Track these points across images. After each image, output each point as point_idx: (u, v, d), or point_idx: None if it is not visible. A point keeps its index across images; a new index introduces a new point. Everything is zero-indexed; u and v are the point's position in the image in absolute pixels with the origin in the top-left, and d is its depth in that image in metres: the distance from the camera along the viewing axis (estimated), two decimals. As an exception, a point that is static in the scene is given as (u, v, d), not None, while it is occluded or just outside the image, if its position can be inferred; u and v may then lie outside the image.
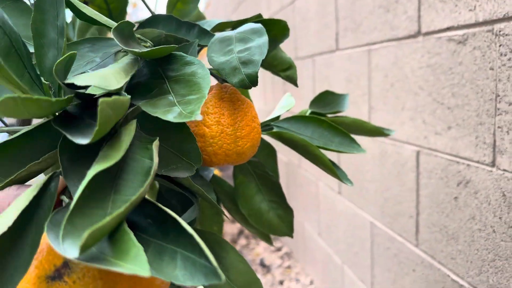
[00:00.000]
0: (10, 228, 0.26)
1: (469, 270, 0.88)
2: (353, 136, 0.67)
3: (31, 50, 0.40)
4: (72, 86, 0.32)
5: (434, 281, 1.00)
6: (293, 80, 0.71)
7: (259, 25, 0.49)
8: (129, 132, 0.31)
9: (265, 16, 2.20)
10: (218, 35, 0.50)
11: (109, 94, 0.33)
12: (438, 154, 0.94)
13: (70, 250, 0.23)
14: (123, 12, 0.67)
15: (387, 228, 1.19)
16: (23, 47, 0.35)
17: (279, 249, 2.31)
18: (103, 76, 0.32)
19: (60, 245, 0.23)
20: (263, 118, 1.10)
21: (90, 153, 0.31)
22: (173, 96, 0.38)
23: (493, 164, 0.79)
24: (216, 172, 2.26)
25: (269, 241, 0.72)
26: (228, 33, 0.50)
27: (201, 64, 0.41)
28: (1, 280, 0.26)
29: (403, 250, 1.12)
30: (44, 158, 0.33)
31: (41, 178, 0.33)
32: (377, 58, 1.15)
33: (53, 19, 0.37)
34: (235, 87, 0.46)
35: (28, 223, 0.29)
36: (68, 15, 0.67)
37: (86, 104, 0.35)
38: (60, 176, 0.33)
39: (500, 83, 0.75)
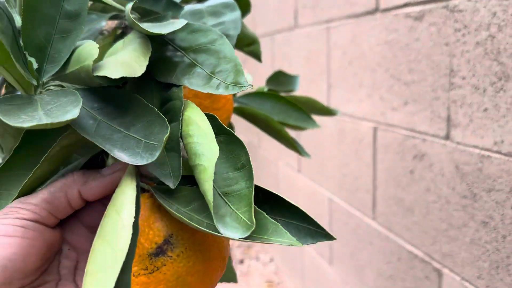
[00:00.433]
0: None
1: (424, 240, 0.91)
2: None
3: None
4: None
5: (390, 253, 1.03)
6: (257, 56, 0.70)
7: (230, 0, 0.48)
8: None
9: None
10: (187, 7, 0.48)
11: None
12: (394, 130, 0.97)
13: (235, 235, 0.29)
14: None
15: (345, 203, 1.22)
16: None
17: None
18: (126, 63, 0.31)
19: (228, 229, 0.29)
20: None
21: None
22: (202, 68, 0.36)
23: (447, 137, 0.82)
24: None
25: None
26: (197, 5, 0.48)
27: (213, 30, 0.39)
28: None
29: (360, 224, 1.15)
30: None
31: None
32: (336, 35, 1.15)
33: None
34: None
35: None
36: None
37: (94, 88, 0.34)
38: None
39: (455, 58, 0.77)
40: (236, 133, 0.34)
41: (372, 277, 1.13)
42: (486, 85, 0.72)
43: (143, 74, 0.33)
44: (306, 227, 0.32)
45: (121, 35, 0.47)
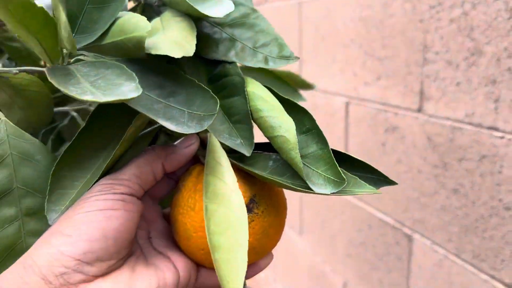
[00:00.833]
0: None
1: (395, 208, 0.96)
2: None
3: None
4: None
5: (361, 221, 1.08)
6: None
7: None
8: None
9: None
10: None
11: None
12: (367, 104, 1.00)
13: (325, 191, 0.34)
14: None
15: (316, 176, 1.26)
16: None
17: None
18: (178, 42, 0.32)
19: (317, 187, 0.34)
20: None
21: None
22: (243, 43, 0.37)
23: (419, 110, 0.86)
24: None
25: None
26: None
27: (243, 3, 0.39)
28: None
29: (331, 195, 1.20)
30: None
31: None
32: (308, 11, 1.17)
33: None
34: None
35: None
36: None
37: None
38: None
39: (429, 34, 0.81)
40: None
41: (343, 245, 1.18)
42: (459, 60, 0.76)
43: None
44: (371, 177, 0.37)
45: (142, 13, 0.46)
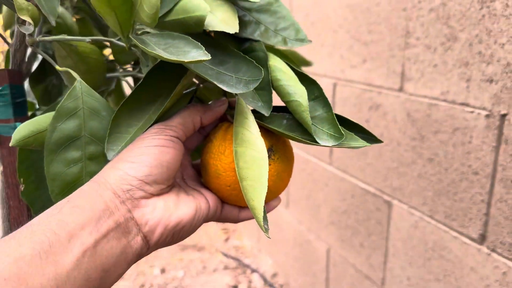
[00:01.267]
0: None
1: (376, 178, 1.08)
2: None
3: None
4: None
5: (345, 191, 1.19)
6: None
7: None
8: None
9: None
10: None
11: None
12: (353, 85, 1.11)
13: (328, 144, 0.42)
14: None
15: (303, 152, 1.36)
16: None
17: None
18: (226, 21, 0.39)
19: (322, 141, 0.42)
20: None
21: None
22: (266, 26, 0.45)
23: (401, 89, 0.97)
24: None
25: None
26: None
27: None
28: None
29: (317, 169, 1.30)
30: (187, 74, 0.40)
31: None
32: (298, -2, 1.26)
33: None
34: None
35: None
36: None
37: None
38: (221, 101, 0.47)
39: (411, 22, 0.92)
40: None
41: (327, 214, 1.29)
42: (436, 45, 0.87)
43: None
44: (362, 136, 0.44)
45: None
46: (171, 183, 0.42)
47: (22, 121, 0.55)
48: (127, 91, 0.77)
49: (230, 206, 0.47)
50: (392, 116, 1.00)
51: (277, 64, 0.44)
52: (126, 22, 0.41)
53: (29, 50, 0.57)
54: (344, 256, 1.25)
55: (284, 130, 0.43)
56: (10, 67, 0.55)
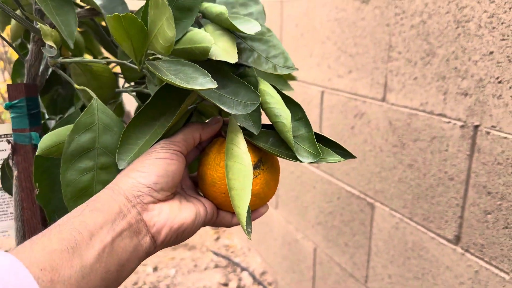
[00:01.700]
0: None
1: (360, 181, 1.14)
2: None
3: None
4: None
5: (331, 193, 1.26)
6: None
7: None
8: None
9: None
10: None
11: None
12: (339, 93, 1.17)
13: (308, 160, 0.47)
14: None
15: (291, 155, 1.42)
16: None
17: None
18: (227, 51, 0.45)
19: (302, 157, 0.48)
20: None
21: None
22: (259, 53, 0.50)
23: (383, 99, 1.04)
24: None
25: None
26: None
27: (261, 24, 0.52)
28: None
29: (305, 172, 1.37)
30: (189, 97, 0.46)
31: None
32: (289, 9, 1.32)
33: None
34: None
35: None
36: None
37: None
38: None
39: (394, 37, 0.98)
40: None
41: (314, 215, 1.35)
42: (417, 59, 0.94)
43: None
44: (340, 152, 0.51)
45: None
46: (175, 191, 0.48)
47: (36, 130, 0.60)
48: (126, 102, 0.82)
49: (224, 212, 0.53)
50: (375, 124, 1.07)
51: (266, 88, 0.50)
52: (140, 49, 0.46)
53: (42, 65, 0.62)
54: (330, 255, 1.31)
55: (270, 146, 0.50)
56: (25, 81, 0.61)
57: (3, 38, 0.64)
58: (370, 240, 1.14)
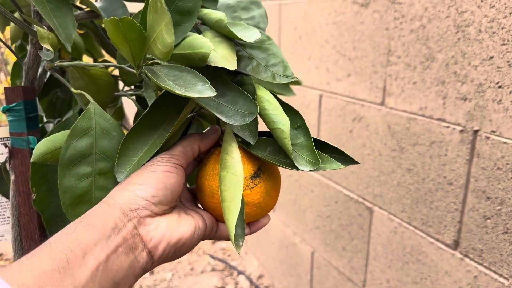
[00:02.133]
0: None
1: (358, 185, 1.14)
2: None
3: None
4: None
5: (329, 197, 1.25)
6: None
7: None
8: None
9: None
10: (221, 1, 0.60)
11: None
12: (338, 97, 1.17)
13: (306, 169, 0.46)
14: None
15: (289, 159, 1.42)
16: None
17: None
18: (226, 58, 0.44)
19: (301, 166, 0.46)
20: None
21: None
22: (258, 61, 0.49)
23: (382, 103, 1.03)
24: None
25: None
26: (228, 0, 0.60)
27: (261, 32, 0.51)
28: None
29: (303, 176, 1.36)
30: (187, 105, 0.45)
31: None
32: (288, 12, 1.31)
33: None
34: None
35: None
36: None
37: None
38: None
39: (393, 41, 0.98)
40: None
41: (312, 218, 1.35)
42: (416, 64, 0.93)
43: None
44: (340, 158, 0.50)
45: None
46: (173, 204, 0.47)
47: (34, 134, 0.59)
48: (126, 106, 0.82)
49: (224, 225, 0.52)
50: (374, 128, 1.07)
51: (264, 95, 0.49)
52: (139, 54, 0.45)
53: (40, 68, 0.61)
54: (328, 259, 1.31)
55: (268, 155, 0.49)
56: (23, 84, 0.60)
57: (0, 40, 0.63)
58: (369, 245, 1.13)
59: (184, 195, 0.53)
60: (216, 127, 0.52)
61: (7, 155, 0.59)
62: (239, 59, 0.51)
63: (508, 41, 0.74)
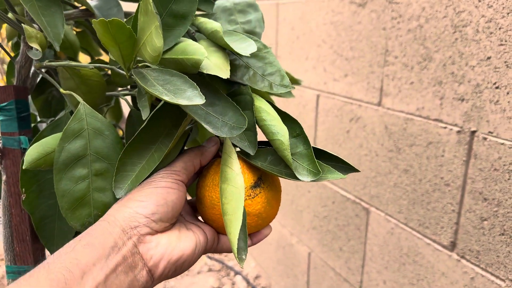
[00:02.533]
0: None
1: (355, 186, 1.13)
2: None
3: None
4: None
5: (326, 198, 1.25)
6: None
7: (252, 0, 0.60)
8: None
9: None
10: (217, 3, 0.59)
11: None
12: (335, 97, 1.16)
13: (307, 179, 0.45)
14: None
15: (286, 159, 1.41)
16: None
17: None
18: (219, 67, 0.43)
19: (302, 176, 0.46)
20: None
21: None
22: (255, 71, 0.49)
23: (379, 104, 1.03)
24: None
25: None
26: (225, 2, 0.59)
27: (258, 40, 0.50)
28: None
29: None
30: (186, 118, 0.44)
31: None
32: (285, 12, 1.31)
33: None
34: None
35: None
36: None
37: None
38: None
39: (390, 41, 0.98)
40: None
41: (309, 219, 1.34)
42: (413, 64, 0.93)
43: None
44: (340, 166, 0.48)
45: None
46: (174, 221, 0.46)
47: (26, 134, 0.58)
48: (124, 107, 0.81)
49: (225, 237, 0.51)
50: (371, 128, 1.06)
51: (262, 105, 0.48)
52: (129, 56, 0.45)
53: (33, 67, 0.60)
54: (325, 259, 1.30)
55: (268, 165, 0.48)
56: (15, 83, 0.59)
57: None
58: (365, 245, 1.13)
59: (184, 208, 0.52)
60: (215, 138, 0.52)
61: (-2, 155, 0.59)
62: (235, 68, 0.50)
63: (505, 41, 0.74)
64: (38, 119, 0.69)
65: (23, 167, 0.45)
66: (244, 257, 0.43)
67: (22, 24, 0.51)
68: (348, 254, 1.20)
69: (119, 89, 0.62)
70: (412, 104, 0.94)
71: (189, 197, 0.57)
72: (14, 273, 0.59)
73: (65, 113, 0.55)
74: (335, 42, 1.13)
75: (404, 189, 0.98)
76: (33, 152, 0.46)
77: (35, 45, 0.47)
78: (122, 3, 0.63)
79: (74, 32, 0.77)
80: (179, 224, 0.47)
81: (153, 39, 0.41)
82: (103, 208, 0.48)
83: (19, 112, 0.57)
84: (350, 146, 1.13)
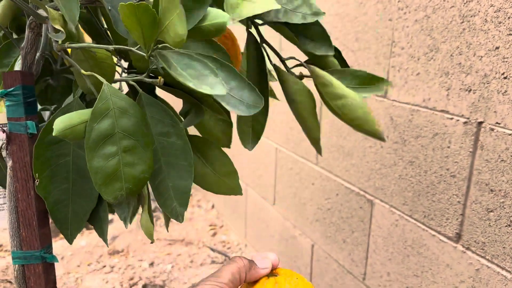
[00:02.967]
0: None
1: (360, 178, 1.13)
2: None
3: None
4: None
5: (330, 190, 1.25)
6: None
7: None
8: None
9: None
10: None
11: None
12: (340, 88, 1.16)
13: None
14: None
15: (291, 152, 1.41)
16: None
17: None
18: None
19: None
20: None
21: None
22: (284, 7, 0.52)
23: (385, 96, 1.02)
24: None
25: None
26: None
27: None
28: None
29: (304, 169, 1.35)
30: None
31: None
32: (289, 3, 1.30)
33: None
34: None
35: None
36: None
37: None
38: None
39: (396, 32, 0.97)
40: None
41: (312, 211, 1.34)
42: (420, 55, 0.92)
43: None
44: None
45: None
46: None
47: (32, 119, 0.58)
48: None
49: None
50: (376, 120, 1.05)
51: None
52: (150, 38, 0.45)
53: (38, 53, 0.60)
54: (328, 251, 1.30)
55: None
56: (21, 68, 0.59)
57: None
58: (369, 237, 1.13)
59: None
60: (267, 261, 0.51)
61: (3, 141, 0.59)
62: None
63: (514, 31, 0.73)
64: (39, 107, 0.69)
65: (53, 134, 0.47)
66: None
67: (37, 8, 0.51)
68: (351, 246, 1.20)
69: (124, 75, 0.62)
70: (418, 95, 0.94)
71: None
72: (20, 258, 0.59)
73: (73, 98, 0.56)
74: (340, 34, 1.13)
75: (409, 181, 0.98)
76: (60, 123, 0.47)
77: (58, 27, 0.47)
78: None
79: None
80: None
81: (176, 25, 0.42)
82: (134, 182, 0.51)
83: (25, 97, 0.57)
84: (355, 138, 1.13)
